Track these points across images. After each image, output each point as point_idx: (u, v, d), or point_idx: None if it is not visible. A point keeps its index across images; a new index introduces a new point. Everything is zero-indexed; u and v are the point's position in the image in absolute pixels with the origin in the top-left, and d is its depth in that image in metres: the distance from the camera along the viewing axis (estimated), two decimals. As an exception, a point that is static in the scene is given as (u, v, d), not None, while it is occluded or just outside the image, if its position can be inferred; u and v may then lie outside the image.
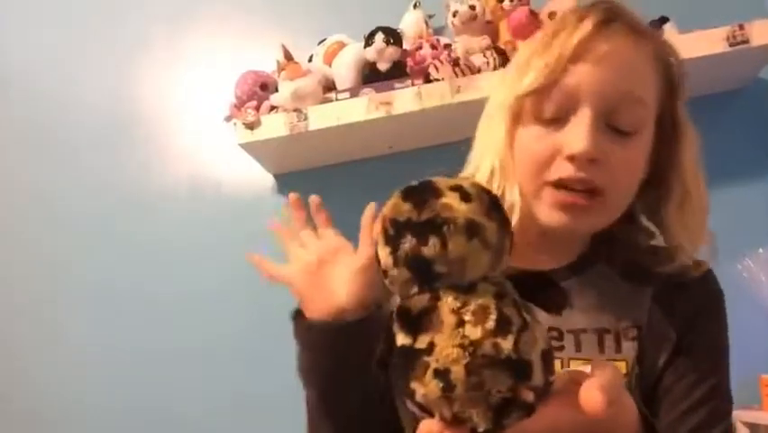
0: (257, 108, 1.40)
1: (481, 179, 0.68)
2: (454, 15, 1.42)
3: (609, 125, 0.61)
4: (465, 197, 0.40)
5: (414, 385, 0.38)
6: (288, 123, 1.36)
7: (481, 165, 0.69)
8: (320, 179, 1.57)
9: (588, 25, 0.62)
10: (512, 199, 0.64)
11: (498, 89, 0.71)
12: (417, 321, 0.39)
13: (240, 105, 1.43)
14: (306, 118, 1.35)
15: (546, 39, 0.64)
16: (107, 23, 1.72)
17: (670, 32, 1.33)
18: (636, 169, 0.64)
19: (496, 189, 0.66)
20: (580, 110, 0.61)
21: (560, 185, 0.62)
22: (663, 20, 1.35)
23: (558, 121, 0.62)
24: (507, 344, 0.37)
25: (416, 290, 0.41)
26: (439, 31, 1.53)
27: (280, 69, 1.43)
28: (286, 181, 1.60)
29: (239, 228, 1.55)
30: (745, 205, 1.41)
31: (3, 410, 1.56)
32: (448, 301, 0.39)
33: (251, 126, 1.37)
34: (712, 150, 1.45)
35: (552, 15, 1.33)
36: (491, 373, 0.36)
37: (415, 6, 1.52)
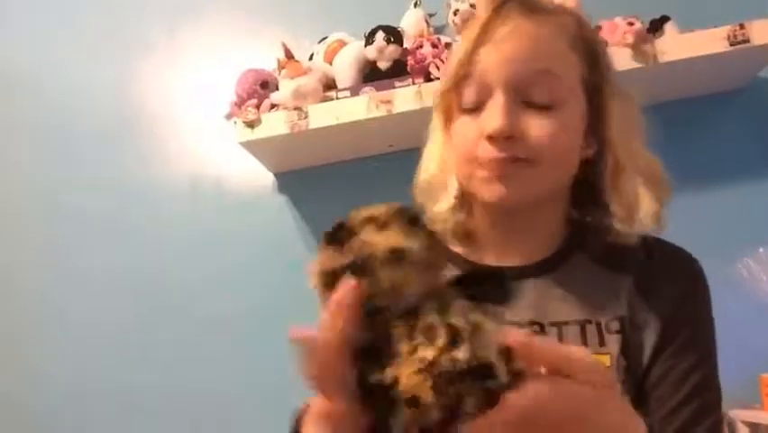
0: (257, 107, 1.40)
1: (427, 180, 0.74)
2: (455, 14, 1.42)
3: (526, 102, 0.63)
4: (380, 225, 0.41)
5: (392, 421, 0.39)
6: (289, 121, 1.35)
7: (428, 167, 0.73)
8: (320, 178, 1.58)
9: (485, 12, 0.66)
10: (452, 190, 0.71)
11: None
12: (379, 358, 0.40)
13: (240, 103, 1.42)
14: (306, 117, 1.35)
15: (462, 35, 0.69)
16: (109, 21, 1.72)
17: (671, 32, 1.33)
18: (563, 140, 0.64)
19: (443, 185, 0.72)
20: (494, 92, 0.63)
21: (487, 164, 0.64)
22: (664, 19, 1.35)
23: (479, 108, 0.65)
24: (462, 354, 0.37)
25: (370, 328, 0.41)
26: (440, 29, 1.53)
27: (281, 67, 1.43)
28: (286, 180, 1.60)
29: (239, 226, 1.56)
30: (745, 204, 1.40)
31: (4, 402, 1.57)
32: (399, 331, 0.40)
33: (251, 125, 1.37)
34: (712, 149, 1.47)
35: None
36: (457, 387, 0.37)
37: (415, 5, 1.51)
